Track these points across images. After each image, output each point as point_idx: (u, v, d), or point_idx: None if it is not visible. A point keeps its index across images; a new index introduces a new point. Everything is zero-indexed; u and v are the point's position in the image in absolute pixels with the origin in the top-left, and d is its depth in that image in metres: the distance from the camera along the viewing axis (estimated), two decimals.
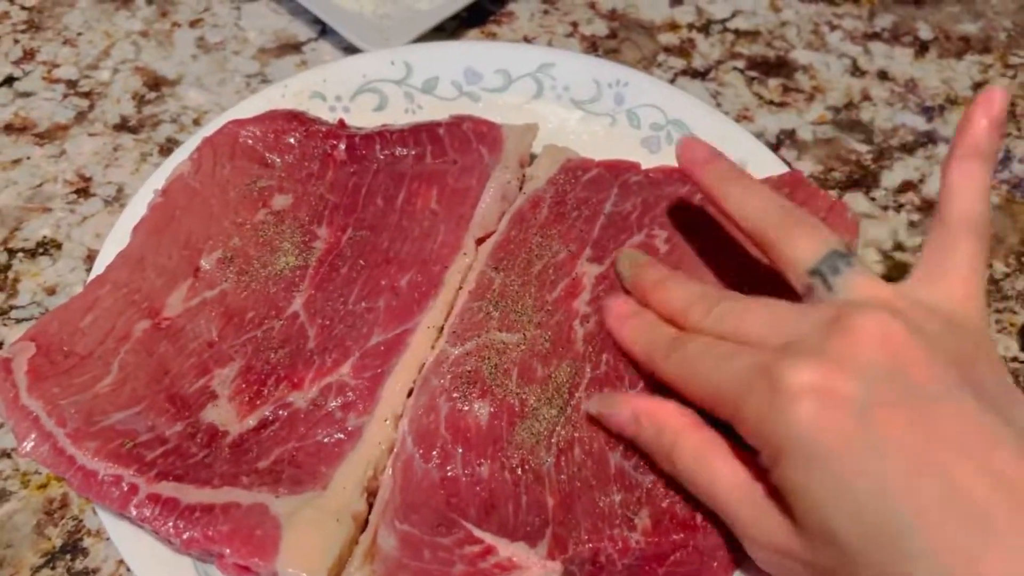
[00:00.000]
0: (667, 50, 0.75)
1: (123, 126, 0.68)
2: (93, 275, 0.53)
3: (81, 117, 0.69)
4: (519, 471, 0.47)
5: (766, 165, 0.60)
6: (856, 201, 0.67)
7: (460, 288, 0.53)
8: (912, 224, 0.66)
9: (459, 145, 0.59)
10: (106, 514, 0.45)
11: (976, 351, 0.38)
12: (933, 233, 0.42)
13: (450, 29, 0.75)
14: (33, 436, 0.45)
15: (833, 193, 0.65)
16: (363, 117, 0.64)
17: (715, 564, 0.43)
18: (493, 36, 0.75)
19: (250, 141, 0.58)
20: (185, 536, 0.43)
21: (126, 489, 0.44)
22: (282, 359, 0.50)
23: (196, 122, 0.69)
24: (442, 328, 0.52)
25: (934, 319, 0.38)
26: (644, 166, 0.59)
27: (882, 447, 0.34)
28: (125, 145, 0.67)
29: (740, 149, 0.61)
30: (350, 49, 0.73)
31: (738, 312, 0.42)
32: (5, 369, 0.46)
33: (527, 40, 0.75)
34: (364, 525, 0.46)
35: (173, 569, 0.45)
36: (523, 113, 0.65)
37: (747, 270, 0.52)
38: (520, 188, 0.57)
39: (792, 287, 0.43)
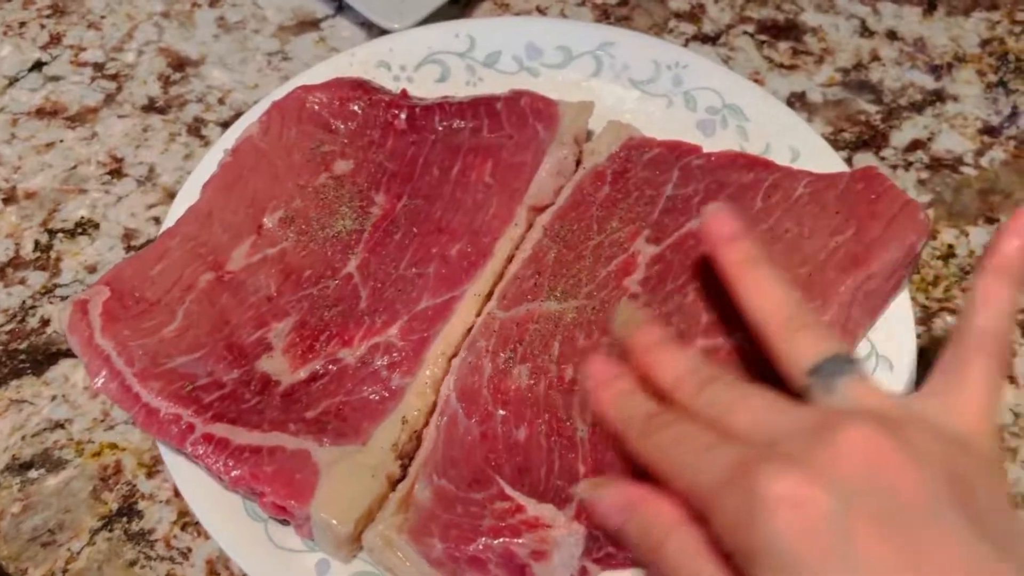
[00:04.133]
0: (678, 16, 0.75)
1: (151, 107, 0.70)
2: (164, 227, 0.57)
3: (110, 99, 0.70)
4: (554, 437, 0.49)
5: (820, 155, 0.60)
6: (866, 160, 0.67)
7: (511, 258, 0.55)
8: (921, 182, 0.66)
9: (516, 120, 0.61)
10: (167, 451, 0.49)
11: (978, 474, 0.36)
12: (950, 346, 0.40)
13: (463, 2, 0.76)
14: (104, 373, 0.48)
15: (844, 154, 0.64)
16: (425, 87, 0.66)
17: None
18: (506, 7, 0.75)
19: (316, 107, 0.60)
20: (233, 474, 0.46)
21: (184, 427, 0.47)
22: (335, 317, 0.53)
23: (221, 101, 0.70)
24: (489, 295, 0.54)
25: (935, 436, 0.36)
26: (695, 146, 0.60)
27: (857, 563, 0.32)
28: (154, 126, 0.69)
29: (794, 138, 0.62)
30: (367, 25, 0.74)
31: (728, 401, 0.39)
32: (82, 310, 0.50)
33: (539, 10, 0.75)
34: (394, 486, 0.48)
35: (224, 504, 0.48)
36: (581, 90, 0.66)
37: (802, 263, 0.52)
38: (577, 164, 0.59)
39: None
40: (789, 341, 0.40)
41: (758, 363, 0.50)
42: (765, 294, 0.43)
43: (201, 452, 0.46)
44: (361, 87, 0.62)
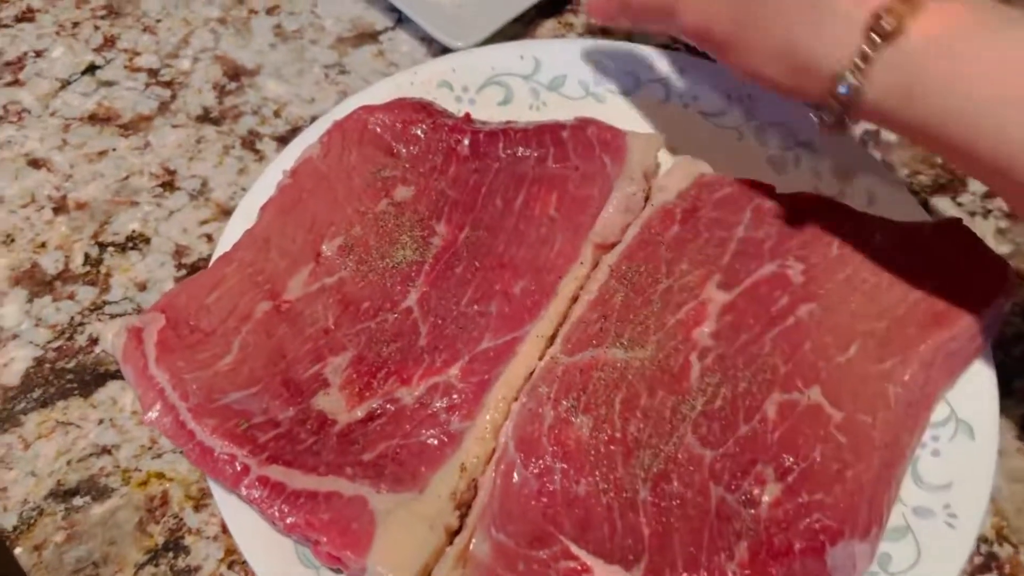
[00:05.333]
0: None
1: (205, 117, 0.68)
2: (219, 248, 0.55)
3: (163, 108, 0.69)
4: (613, 495, 0.47)
5: (898, 201, 0.58)
6: (943, 206, 0.64)
7: (576, 298, 0.53)
8: (1000, 231, 0.63)
9: (582, 150, 0.58)
10: (217, 488, 0.47)
11: None
12: None
13: (527, 19, 0.73)
14: (158, 406, 0.47)
15: (920, 197, 0.62)
16: (488, 110, 0.64)
17: None
18: (570, 26, 0.73)
19: (378, 129, 0.59)
20: (288, 521, 0.45)
21: (239, 469, 0.45)
22: (393, 353, 0.51)
23: (277, 114, 0.68)
24: (552, 337, 0.52)
25: None
26: (768, 185, 0.57)
27: None
28: (208, 137, 0.67)
29: (871, 181, 0.59)
30: (427, 40, 0.72)
31: None
32: (136, 338, 0.48)
33: (604, 32, 0.73)
34: (451, 538, 0.47)
35: (275, 548, 0.46)
36: (648, 119, 0.64)
37: (880, 317, 0.50)
38: (646, 199, 0.56)
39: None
40: None
41: (836, 420, 0.48)
42: None
43: (256, 496, 0.45)
44: (424, 109, 0.60)
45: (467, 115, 0.61)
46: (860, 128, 0.67)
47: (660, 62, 0.65)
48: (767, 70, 0.47)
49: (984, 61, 0.40)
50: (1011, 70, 0.39)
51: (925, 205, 0.64)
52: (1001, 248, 0.62)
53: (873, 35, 0.41)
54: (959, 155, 0.42)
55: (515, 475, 0.47)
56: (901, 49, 0.41)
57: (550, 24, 0.73)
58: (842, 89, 0.43)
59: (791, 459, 0.46)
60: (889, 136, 0.67)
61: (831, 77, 0.43)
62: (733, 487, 0.46)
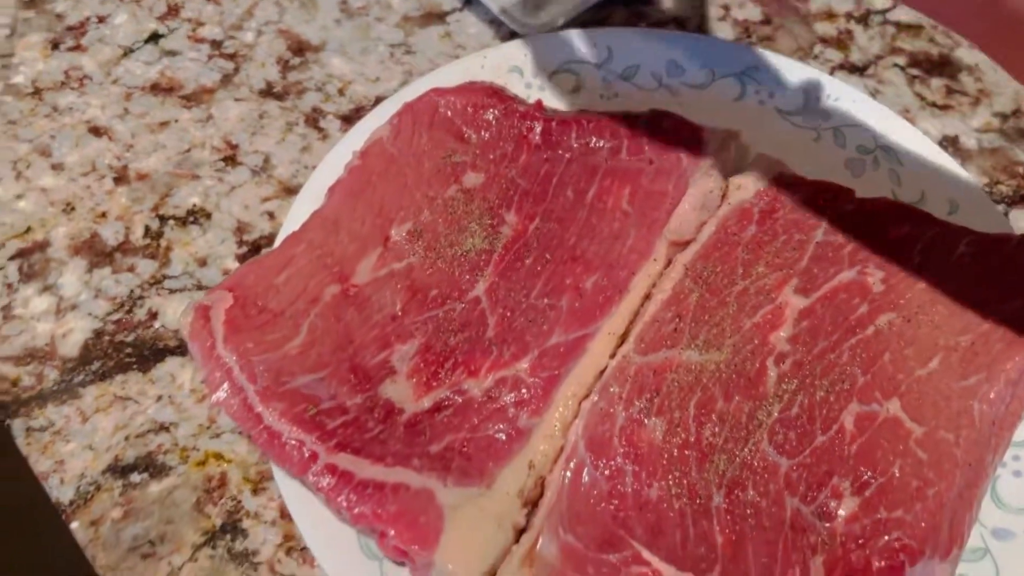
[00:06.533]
0: (824, 41, 0.70)
1: (268, 92, 0.67)
2: (285, 228, 0.54)
3: (226, 80, 0.67)
4: (687, 500, 0.46)
5: (980, 210, 0.56)
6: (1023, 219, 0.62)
7: (649, 295, 0.52)
8: None
9: (657, 143, 0.57)
10: (280, 475, 0.46)
11: None
12: None
13: (598, 6, 0.71)
14: (225, 387, 0.46)
15: (1000, 208, 0.60)
16: (558, 98, 0.63)
17: None
18: (641, 16, 0.71)
19: (449, 113, 0.57)
20: (356, 511, 0.44)
21: (307, 455, 0.44)
22: (461, 343, 0.50)
23: (341, 92, 0.67)
24: (623, 336, 0.51)
25: None
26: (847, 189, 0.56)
27: None
28: (271, 112, 0.66)
29: (953, 189, 0.58)
30: (495, 23, 0.70)
31: None
32: (204, 316, 0.47)
33: (678, 22, 0.71)
34: (518, 537, 0.45)
35: (338, 538, 0.46)
36: (723, 115, 0.62)
37: (963, 331, 0.49)
38: (722, 197, 0.55)
39: None
40: None
41: (916, 435, 0.47)
42: None
43: (324, 484, 0.44)
44: (496, 95, 0.58)
45: (539, 102, 0.59)
46: (938, 132, 0.65)
47: (736, 56, 0.64)
48: None
49: None
50: None
51: (1005, 216, 0.62)
52: None
53: None
54: None
55: (585, 475, 0.46)
56: None
57: (621, 12, 0.71)
58: None
59: (869, 473, 0.45)
60: (969, 143, 0.65)
61: None
62: (809, 499, 0.45)
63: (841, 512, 0.44)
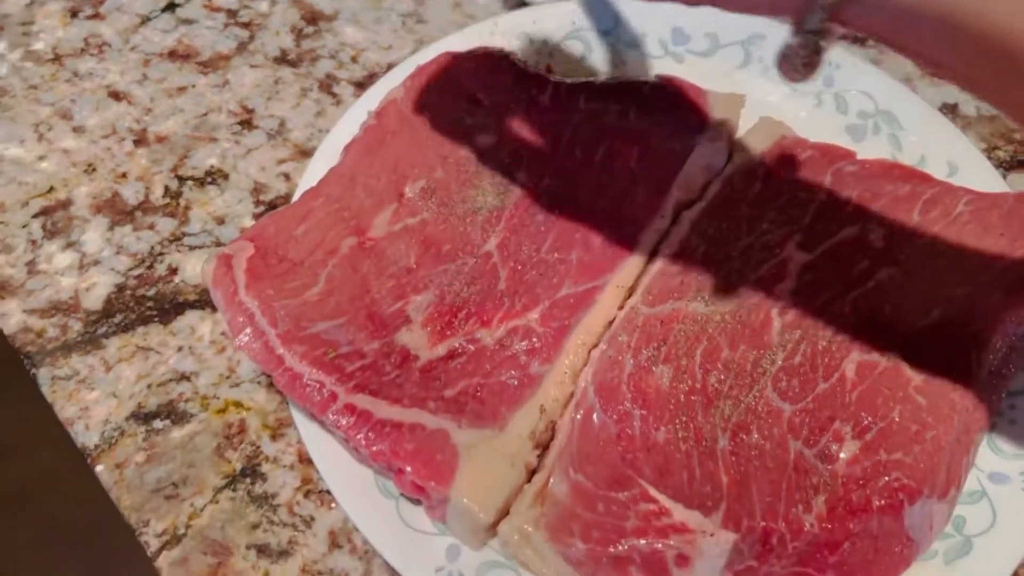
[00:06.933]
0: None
1: (283, 59, 0.68)
2: (301, 186, 0.56)
3: (242, 48, 0.69)
4: (693, 442, 0.47)
5: (979, 172, 0.58)
6: (1021, 183, 0.64)
7: (656, 250, 0.53)
8: None
9: (664, 107, 0.58)
10: (300, 418, 0.48)
11: None
12: None
13: None
14: (248, 331, 0.47)
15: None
16: (567, 64, 0.64)
17: (888, 557, 0.43)
18: None
19: (461, 75, 0.59)
20: (374, 448, 0.45)
21: (327, 395, 0.46)
22: (473, 295, 0.51)
23: (354, 60, 0.68)
24: (631, 288, 0.52)
25: None
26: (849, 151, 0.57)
27: None
28: (285, 79, 0.67)
29: (952, 152, 0.59)
30: None
31: None
32: (226, 265, 0.49)
33: None
34: (530, 477, 0.47)
35: (356, 478, 0.47)
36: (726, 81, 0.63)
37: (962, 283, 0.50)
38: (728, 158, 0.56)
39: None
40: None
41: (915, 382, 0.48)
42: None
43: (343, 423, 0.45)
44: (507, 59, 0.60)
45: (548, 67, 0.61)
46: (938, 100, 0.67)
47: (740, 26, 0.65)
48: None
49: None
50: None
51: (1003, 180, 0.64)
52: None
53: None
54: None
55: (594, 418, 0.48)
56: None
57: None
58: None
59: (869, 418, 0.46)
60: (968, 110, 0.66)
61: None
62: (811, 442, 0.46)
63: (842, 454, 0.46)
